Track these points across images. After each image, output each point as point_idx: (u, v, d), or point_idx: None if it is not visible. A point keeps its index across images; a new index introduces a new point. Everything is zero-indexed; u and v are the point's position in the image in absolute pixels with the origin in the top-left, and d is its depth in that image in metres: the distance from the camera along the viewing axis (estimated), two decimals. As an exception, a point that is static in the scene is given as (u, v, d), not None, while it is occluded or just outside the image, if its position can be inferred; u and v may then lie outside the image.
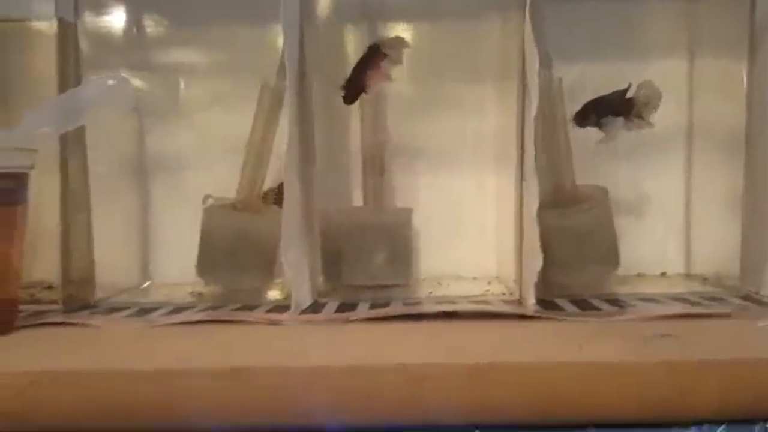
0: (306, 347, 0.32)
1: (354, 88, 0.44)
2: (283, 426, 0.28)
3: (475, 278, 0.48)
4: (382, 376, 0.28)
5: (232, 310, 0.39)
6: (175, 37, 0.50)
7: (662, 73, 0.47)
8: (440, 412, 0.28)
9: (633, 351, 0.29)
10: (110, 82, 0.35)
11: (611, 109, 0.42)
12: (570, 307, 0.38)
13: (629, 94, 0.42)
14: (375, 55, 0.44)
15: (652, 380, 0.27)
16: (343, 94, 0.44)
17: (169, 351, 0.31)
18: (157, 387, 0.27)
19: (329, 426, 0.28)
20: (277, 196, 0.45)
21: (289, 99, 0.38)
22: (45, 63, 0.46)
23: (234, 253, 0.44)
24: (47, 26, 0.43)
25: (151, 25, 0.49)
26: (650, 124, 0.42)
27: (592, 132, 0.43)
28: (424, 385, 0.27)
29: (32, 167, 0.35)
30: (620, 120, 0.42)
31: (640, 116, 0.42)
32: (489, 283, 0.46)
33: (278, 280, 0.45)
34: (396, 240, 0.46)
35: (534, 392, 0.27)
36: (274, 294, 0.44)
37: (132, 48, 0.49)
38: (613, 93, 0.42)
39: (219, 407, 0.27)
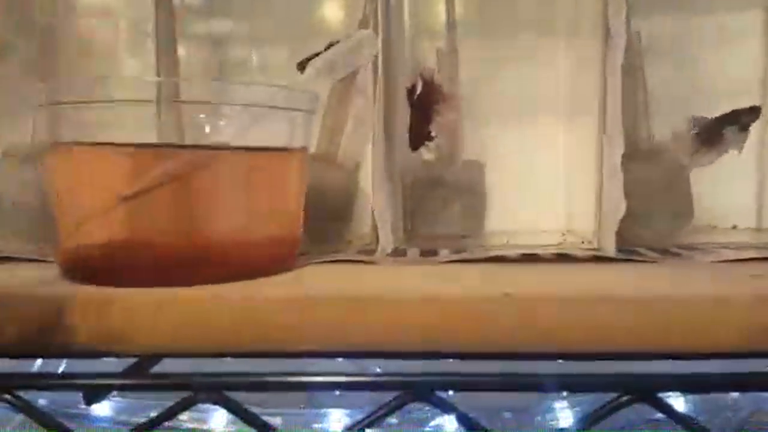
0: (406, 281, 0.33)
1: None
2: (396, 352, 0.30)
3: (546, 232, 0.49)
4: (488, 305, 0.29)
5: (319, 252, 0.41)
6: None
7: (738, 25, 0.47)
8: (545, 342, 0.29)
9: (728, 287, 0.30)
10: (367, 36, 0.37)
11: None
12: (650, 253, 0.39)
13: None
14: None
15: (753, 314, 0.28)
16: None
17: (281, 283, 0.33)
18: (280, 312, 0.29)
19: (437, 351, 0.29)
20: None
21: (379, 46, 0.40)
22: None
23: (313, 201, 0.46)
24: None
25: None
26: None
27: (669, 85, 0.44)
28: (531, 314, 0.29)
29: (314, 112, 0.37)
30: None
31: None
32: (563, 234, 0.47)
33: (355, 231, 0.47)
34: (469, 192, 0.47)
35: (640, 324, 0.28)
36: (354, 240, 0.46)
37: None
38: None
39: (339, 335, 0.29)
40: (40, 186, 0.40)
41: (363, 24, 0.45)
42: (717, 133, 0.42)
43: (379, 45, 0.38)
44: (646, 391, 0.25)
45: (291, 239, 0.36)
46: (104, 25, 0.52)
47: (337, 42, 0.41)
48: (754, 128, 0.45)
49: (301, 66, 0.43)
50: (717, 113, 0.48)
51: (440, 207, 0.47)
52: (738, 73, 0.43)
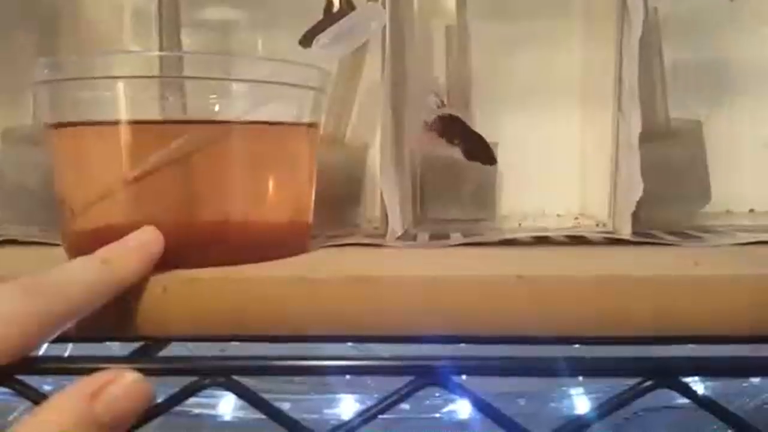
0: (417, 264, 0.33)
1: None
2: (407, 336, 0.29)
3: (559, 215, 0.48)
4: (501, 287, 0.28)
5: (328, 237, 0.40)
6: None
7: (761, 4, 0.46)
8: (560, 325, 0.28)
9: (749, 268, 0.29)
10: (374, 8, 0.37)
11: None
12: (666, 236, 0.38)
13: None
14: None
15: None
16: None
17: (290, 264, 0.32)
18: (287, 293, 0.28)
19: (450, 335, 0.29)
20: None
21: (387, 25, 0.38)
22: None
23: (321, 183, 0.45)
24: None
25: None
26: None
27: (686, 64, 0.43)
28: (545, 296, 0.28)
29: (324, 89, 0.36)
30: None
31: None
32: (576, 218, 0.47)
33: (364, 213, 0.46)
34: (482, 175, 0.46)
35: (660, 305, 0.27)
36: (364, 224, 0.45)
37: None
38: None
39: (348, 318, 0.28)
40: (41, 168, 0.39)
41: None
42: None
43: (387, 19, 0.37)
44: (670, 375, 0.24)
45: (302, 221, 0.35)
46: (107, 10, 0.51)
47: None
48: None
49: (304, 40, 0.42)
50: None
51: (452, 190, 0.46)
52: (757, 52, 0.42)
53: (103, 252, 0.28)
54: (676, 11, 0.44)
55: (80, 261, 0.27)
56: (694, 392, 0.25)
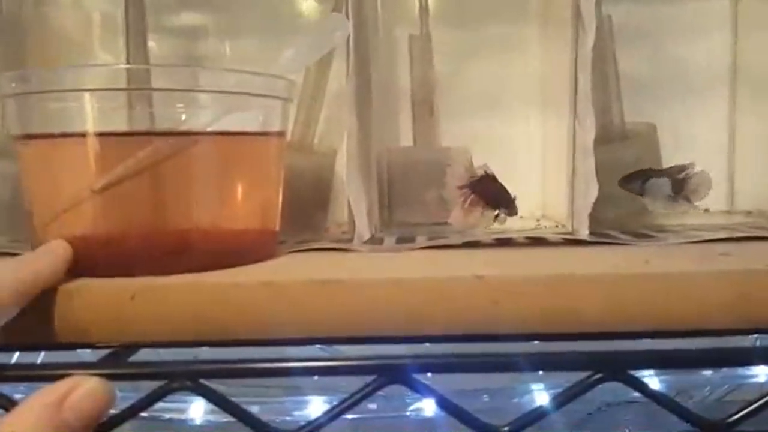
0: (381, 266, 0.34)
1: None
2: (366, 335, 0.30)
3: (522, 217, 0.49)
4: (460, 287, 0.30)
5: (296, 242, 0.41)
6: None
7: (706, 11, 0.48)
8: (516, 322, 0.29)
9: (696, 265, 0.31)
10: (337, 18, 0.37)
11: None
12: (622, 236, 0.40)
13: (683, 175, 0.42)
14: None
15: (718, 289, 0.29)
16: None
17: (255, 270, 0.33)
18: (252, 297, 0.29)
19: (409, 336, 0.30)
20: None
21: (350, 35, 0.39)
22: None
23: (289, 189, 0.46)
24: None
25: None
26: (694, 207, 0.42)
27: (640, 70, 0.44)
28: (502, 295, 0.29)
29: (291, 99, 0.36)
30: (666, 189, 0.42)
31: (687, 198, 0.41)
32: (538, 220, 0.48)
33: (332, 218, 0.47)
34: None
35: (609, 302, 0.29)
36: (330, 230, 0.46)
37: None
38: (670, 168, 0.42)
39: (315, 321, 0.29)
40: (10, 179, 0.39)
41: (336, 10, 0.45)
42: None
43: (351, 28, 0.38)
44: (618, 368, 0.26)
45: (269, 227, 0.36)
46: (74, 17, 0.51)
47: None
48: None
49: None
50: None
51: (418, 194, 0.47)
52: (706, 58, 0.44)
53: (15, 258, 0.30)
54: (630, 20, 0.46)
55: None
56: (642, 383, 0.26)
